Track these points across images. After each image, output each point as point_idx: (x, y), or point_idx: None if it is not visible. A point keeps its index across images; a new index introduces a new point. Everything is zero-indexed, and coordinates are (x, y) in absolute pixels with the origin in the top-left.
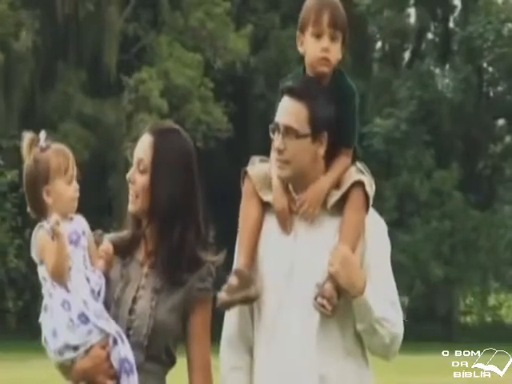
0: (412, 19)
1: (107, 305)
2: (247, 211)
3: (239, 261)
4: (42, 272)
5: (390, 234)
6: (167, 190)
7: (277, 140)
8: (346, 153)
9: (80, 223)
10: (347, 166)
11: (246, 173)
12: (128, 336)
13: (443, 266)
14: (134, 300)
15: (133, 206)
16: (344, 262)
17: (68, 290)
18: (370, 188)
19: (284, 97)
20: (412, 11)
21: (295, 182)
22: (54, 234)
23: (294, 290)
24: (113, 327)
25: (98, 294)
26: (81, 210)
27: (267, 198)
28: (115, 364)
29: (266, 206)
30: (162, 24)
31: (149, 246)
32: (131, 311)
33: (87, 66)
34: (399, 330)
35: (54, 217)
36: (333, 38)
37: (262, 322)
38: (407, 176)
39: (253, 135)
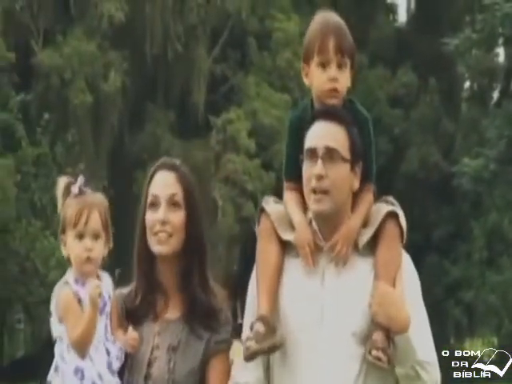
0: (501, 58)
1: (121, 372)
2: (266, 252)
3: (262, 306)
4: (60, 331)
5: (481, 274)
6: (201, 226)
7: (315, 166)
8: (369, 189)
9: (106, 285)
10: (372, 203)
11: (262, 210)
12: None
13: None
14: (150, 363)
15: (166, 247)
16: (382, 300)
17: (83, 357)
18: (404, 220)
19: (317, 122)
20: (501, 50)
21: (326, 219)
22: (91, 303)
23: (326, 338)
24: None
25: (116, 369)
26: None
27: (286, 236)
28: None
29: (285, 249)
30: (250, 64)
31: (167, 297)
32: (147, 377)
33: (175, 106)
34: (439, 374)
35: (93, 282)
36: (340, 66)
37: (290, 373)
38: (496, 216)
39: None
